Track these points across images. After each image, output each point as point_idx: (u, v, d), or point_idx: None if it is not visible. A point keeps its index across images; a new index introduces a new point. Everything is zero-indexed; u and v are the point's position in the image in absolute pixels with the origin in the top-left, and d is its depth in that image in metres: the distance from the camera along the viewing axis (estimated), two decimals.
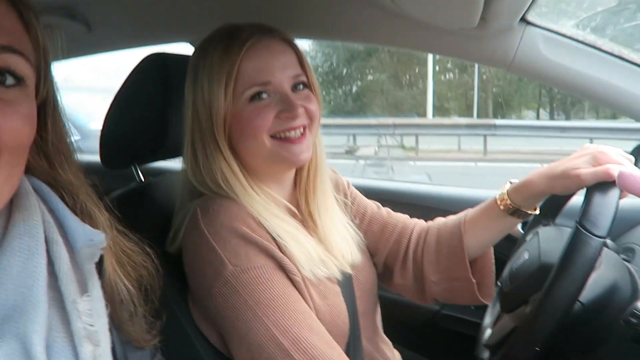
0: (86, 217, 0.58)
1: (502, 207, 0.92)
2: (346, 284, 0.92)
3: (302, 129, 0.87)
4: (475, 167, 10.24)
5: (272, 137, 0.85)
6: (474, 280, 0.97)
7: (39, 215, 0.53)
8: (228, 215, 0.80)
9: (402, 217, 1.08)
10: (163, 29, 1.38)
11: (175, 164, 1.83)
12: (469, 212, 1.00)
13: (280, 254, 0.81)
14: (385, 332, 1.06)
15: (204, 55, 0.86)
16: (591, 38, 1.12)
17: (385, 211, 1.09)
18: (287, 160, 0.86)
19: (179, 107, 0.99)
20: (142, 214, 0.92)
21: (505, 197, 0.92)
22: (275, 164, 0.88)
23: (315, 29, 1.29)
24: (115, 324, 0.60)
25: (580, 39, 1.12)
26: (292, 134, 0.86)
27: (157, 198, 0.97)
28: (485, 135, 11.01)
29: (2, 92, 0.48)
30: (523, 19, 1.09)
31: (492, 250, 1.01)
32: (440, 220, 1.05)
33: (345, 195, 1.06)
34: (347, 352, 0.87)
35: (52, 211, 0.55)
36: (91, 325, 0.52)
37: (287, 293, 0.78)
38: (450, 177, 8.82)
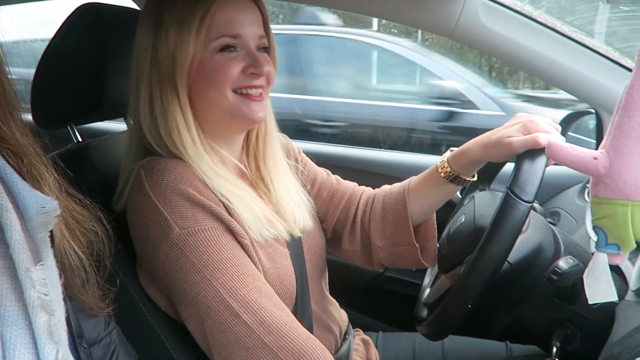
0: (34, 179, 0.55)
1: (442, 175, 0.95)
2: (295, 247, 0.92)
3: (260, 90, 0.86)
4: None
5: (234, 91, 0.84)
6: (417, 245, 1.00)
7: None
8: (173, 176, 0.78)
9: (350, 185, 1.10)
10: None
11: (113, 125, 1.74)
12: (412, 180, 1.03)
13: (228, 217, 0.80)
14: (332, 294, 1.09)
15: (173, 1, 0.82)
16: (528, 9, 1.16)
17: (335, 178, 1.10)
18: (245, 117, 0.85)
19: (118, 63, 0.93)
20: (81, 175, 0.88)
21: (446, 164, 0.95)
22: (233, 120, 0.86)
23: None
24: (68, 292, 0.58)
25: (518, 9, 1.15)
26: (253, 91, 0.85)
27: (96, 160, 0.93)
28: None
29: None
30: None
31: (434, 216, 1.04)
32: (386, 188, 1.08)
33: (297, 161, 1.06)
34: (295, 314, 0.88)
35: None
36: (45, 295, 0.50)
37: (235, 255, 0.78)
38: None
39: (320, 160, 1.14)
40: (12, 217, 0.49)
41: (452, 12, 1.12)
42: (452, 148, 0.97)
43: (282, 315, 0.77)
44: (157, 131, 0.83)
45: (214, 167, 0.83)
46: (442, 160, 0.96)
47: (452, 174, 0.94)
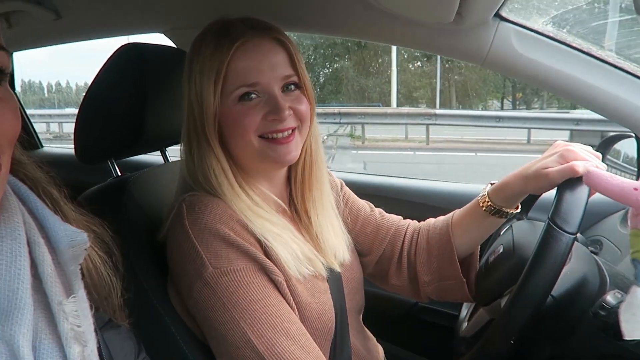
0: (53, 203, 0.57)
1: (484, 208, 0.94)
2: (335, 282, 0.92)
3: (289, 131, 0.86)
4: (414, 155, 10.62)
5: (260, 137, 0.85)
6: (464, 280, 0.99)
7: (20, 216, 0.51)
8: (212, 216, 0.80)
9: (395, 219, 1.09)
10: (137, 18, 1.34)
11: (152, 157, 1.78)
12: (455, 213, 1.02)
13: (262, 256, 0.80)
14: (365, 324, 1.08)
15: (198, 51, 0.84)
16: (562, 35, 1.15)
17: (378, 212, 1.10)
18: (273, 160, 0.86)
19: (157, 100, 0.97)
20: (121, 208, 0.90)
21: (487, 198, 0.94)
22: (263, 163, 0.88)
23: (291, 22, 1.28)
24: (93, 298, 0.59)
25: (552, 35, 1.14)
26: (279, 135, 0.85)
27: (135, 193, 0.95)
28: (427, 125, 11.33)
29: None
30: (497, 15, 1.10)
31: (478, 250, 1.04)
32: (430, 221, 1.07)
33: (338, 195, 1.06)
34: (334, 349, 0.88)
35: (31, 211, 0.54)
36: (78, 326, 0.51)
37: (265, 296, 0.79)
38: (385, 165, 9.13)
39: (361, 189, 1.15)
40: (44, 251, 0.51)
41: (484, 39, 1.12)
42: (492, 181, 0.96)
43: (308, 359, 0.77)
44: (195, 174, 0.85)
45: (252, 207, 0.84)
46: (483, 194, 0.95)
47: (494, 208, 0.93)
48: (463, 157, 10.02)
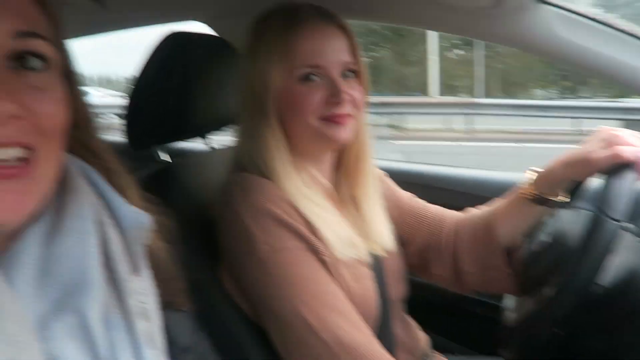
0: (121, 188, 0.59)
1: (527, 197, 0.93)
2: (378, 269, 0.93)
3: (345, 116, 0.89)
4: (456, 146, 10.38)
5: (318, 118, 0.87)
6: (508, 270, 0.98)
7: (88, 197, 0.54)
8: (262, 195, 0.82)
9: (437, 210, 1.09)
10: (177, 7, 1.37)
11: (196, 144, 1.84)
12: (498, 203, 1.02)
13: (311, 236, 0.83)
14: (409, 315, 1.08)
15: (263, 31, 0.88)
16: (606, 16, 1.10)
17: (420, 203, 1.11)
18: (328, 139, 0.88)
19: (200, 87, 1.00)
20: (166, 193, 0.93)
21: (530, 186, 0.93)
22: (317, 143, 0.90)
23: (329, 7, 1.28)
24: (155, 279, 0.61)
25: (595, 17, 1.10)
26: (337, 118, 0.88)
27: (180, 178, 0.98)
28: (469, 114, 11.03)
29: (34, 79, 0.47)
30: None
31: (522, 239, 1.01)
32: (472, 212, 1.07)
33: (379, 187, 1.07)
34: (377, 337, 0.88)
35: (98, 194, 0.56)
36: (143, 303, 0.54)
37: (317, 275, 0.81)
38: (426, 156, 8.95)
39: (402, 178, 1.16)
40: (111, 231, 0.54)
41: (525, 23, 1.09)
42: (533, 168, 0.94)
43: (360, 335, 0.78)
44: (250, 151, 0.88)
45: (300, 187, 0.86)
46: (526, 182, 0.94)
47: (537, 196, 0.92)
48: (507, 148, 9.76)
